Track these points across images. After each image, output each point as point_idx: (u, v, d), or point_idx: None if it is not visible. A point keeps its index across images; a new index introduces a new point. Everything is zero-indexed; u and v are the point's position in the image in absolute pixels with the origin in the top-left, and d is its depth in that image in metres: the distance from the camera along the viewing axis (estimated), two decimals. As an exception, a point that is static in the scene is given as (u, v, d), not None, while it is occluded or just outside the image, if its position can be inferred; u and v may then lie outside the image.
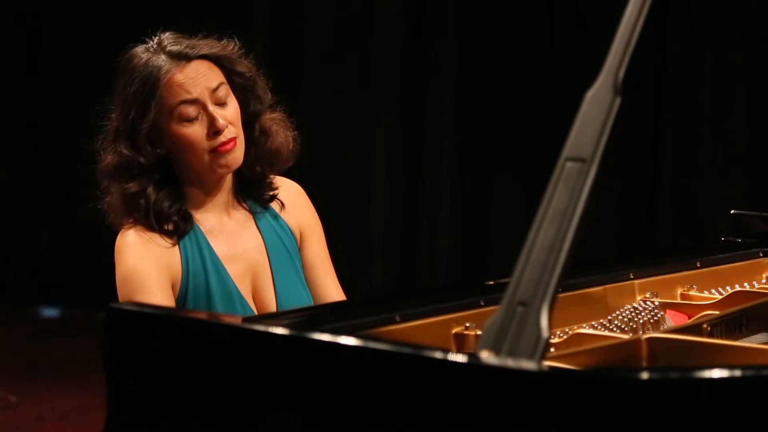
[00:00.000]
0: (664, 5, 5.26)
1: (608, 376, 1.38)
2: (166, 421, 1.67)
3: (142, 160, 2.35)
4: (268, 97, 2.47)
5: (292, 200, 2.55)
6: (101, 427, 1.72)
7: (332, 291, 2.54)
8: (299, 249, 2.54)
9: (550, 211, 1.49)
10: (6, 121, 7.17)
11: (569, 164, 1.50)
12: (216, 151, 2.35)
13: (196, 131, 2.34)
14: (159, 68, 2.34)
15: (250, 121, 2.43)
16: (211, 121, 2.33)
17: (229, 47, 2.42)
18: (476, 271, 5.83)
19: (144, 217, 2.36)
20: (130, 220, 2.38)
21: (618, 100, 1.53)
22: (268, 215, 2.50)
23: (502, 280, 1.89)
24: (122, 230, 2.39)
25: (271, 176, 2.51)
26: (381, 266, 6.07)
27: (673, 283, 2.41)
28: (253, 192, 2.49)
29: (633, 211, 5.55)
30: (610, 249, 5.43)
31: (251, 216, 2.48)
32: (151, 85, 2.33)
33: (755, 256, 2.62)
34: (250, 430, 1.58)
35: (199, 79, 2.35)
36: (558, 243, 1.46)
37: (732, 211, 2.83)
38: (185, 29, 2.49)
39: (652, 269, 2.39)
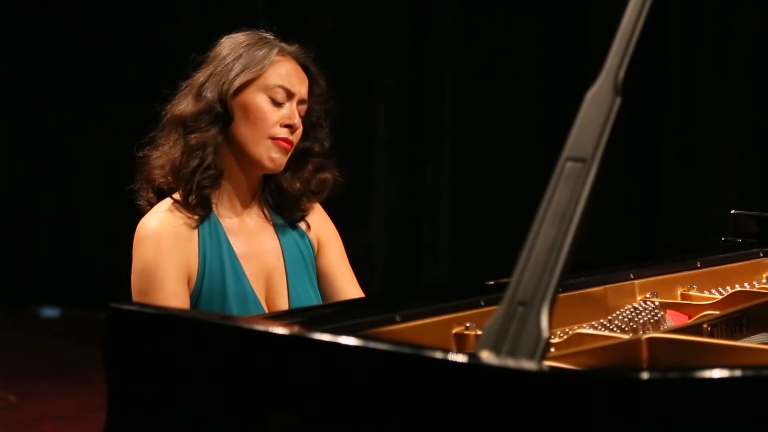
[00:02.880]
0: (664, 5, 5.26)
1: (608, 376, 1.38)
2: (166, 421, 1.67)
3: (220, 109, 2.40)
4: (325, 146, 2.54)
5: (310, 214, 2.57)
6: (101, 427, 1.72)
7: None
8: (317, 257, 2.56)
9: (550, 211, 1.48)
10: (6, 121, 7.17)
11: (569, 164, 1.50)
12: (276, 141, 2.42)
13: (273, 112, 2.42)
14: (274, 47, 2.45)
15: (303, 156, 2.51)
16: (291, 114, 2.42)
17: (322, 81, 2.53)
18: (476, 271, 5.83)
19: (186, 180, 2.38)
20: (156, 206, 2.41)
21: (618, 100, 1.53)
22: (289, 227, 2.53)
23: (502, 280, 1.89)
24: (145, 217, 2.40)
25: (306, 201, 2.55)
26: (381, 266, 6.07)
27: (673, 283, 2.41)
28: (284, 211, 2.52)
29: (633, 211, 5.55)
30: (610, 249, 5.43)
31: (271, 223, 2.51)
32: (263, 55, 2.44)
33: (755, 256, 2.62)
34: (250, 431, 1.58)
35: (303, 82, 2.47)
36: (558, 243, 1.46)
37: (732, 211, 2.83)
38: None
39: (652, 269, 2.39)
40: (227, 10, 6.32)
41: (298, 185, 2.50)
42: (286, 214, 2.52)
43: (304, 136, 2.49)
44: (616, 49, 1.54)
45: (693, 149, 5.36)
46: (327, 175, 2.54)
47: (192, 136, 2.40)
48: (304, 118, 2.48)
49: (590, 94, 1.53)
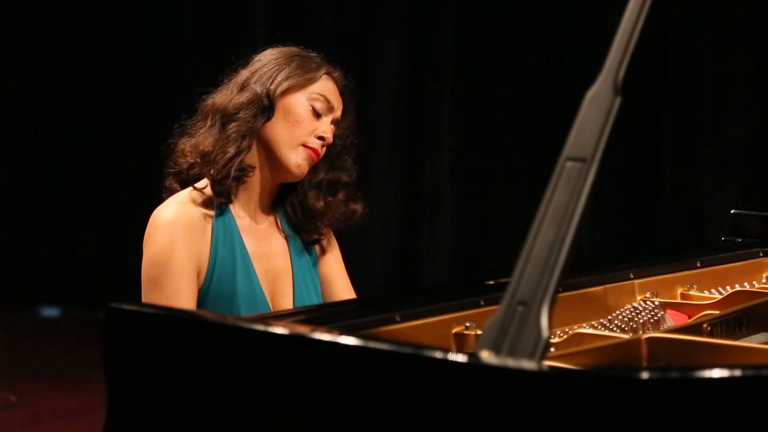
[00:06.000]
0: (664, 5, 5.26)
1: (608, 376, 1.38)
2: (166, 421, 1.67)
3: (266, 103, 2.43)
4: (353, 176, 2.61)
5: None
6: (101, 427, 1.72)
7: None
8: (318, 263, 2.60)
9: (550, 210, 1.48)
10: (6, 121, 7.17)
11: (569, 164, 1.50)
12: (306, 148, 2.45)
13: (312, 121, 2.47)
14: (324, 65, 2.52)
15: (333, 185, 2.56)
16: (327, 129, 2.48)
17: (351, 115, 2.57)
18: (476, 271, 5.83)
19: (221, 166, 2.39)
20: (172, 196, 2.42)
21: (618, 100, 1.53)
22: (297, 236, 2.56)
23: (502, 280, 1.89)
24: (160, 207, 2.40)
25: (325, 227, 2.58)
26: (381, 266, 6.07)
27: (673, 283, 2.41)
28: (302, 230, 2.55)
29: (633, 211, 5.55)
30: (610, 249, 5.43)
31: (280, 227, 2.53)
32: (314, 67, 2.50)
33: (755, 255, 2.62)
34: (250, 430, 1.58)
35: (340, 105, 2.52)
36: (558, 243, 1.46)
37: (732, 211, 2.83)
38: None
39: (652, 269, 2.39)
40: (227, 10, 6.32)
41: (322, 204, 2.54)
42: (303, 233, 2.55)
43: (331, 165, 2.55)
44: (616, 49, 1.54)
45: (693, 148, 5.36)
46: (357, 207, 2.60)
47: (232, 124, 2.42)
48: (330, 146, 2.52)
49: (590, 94, 1.53)
